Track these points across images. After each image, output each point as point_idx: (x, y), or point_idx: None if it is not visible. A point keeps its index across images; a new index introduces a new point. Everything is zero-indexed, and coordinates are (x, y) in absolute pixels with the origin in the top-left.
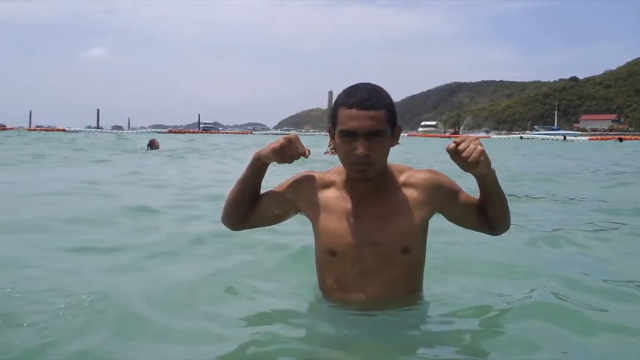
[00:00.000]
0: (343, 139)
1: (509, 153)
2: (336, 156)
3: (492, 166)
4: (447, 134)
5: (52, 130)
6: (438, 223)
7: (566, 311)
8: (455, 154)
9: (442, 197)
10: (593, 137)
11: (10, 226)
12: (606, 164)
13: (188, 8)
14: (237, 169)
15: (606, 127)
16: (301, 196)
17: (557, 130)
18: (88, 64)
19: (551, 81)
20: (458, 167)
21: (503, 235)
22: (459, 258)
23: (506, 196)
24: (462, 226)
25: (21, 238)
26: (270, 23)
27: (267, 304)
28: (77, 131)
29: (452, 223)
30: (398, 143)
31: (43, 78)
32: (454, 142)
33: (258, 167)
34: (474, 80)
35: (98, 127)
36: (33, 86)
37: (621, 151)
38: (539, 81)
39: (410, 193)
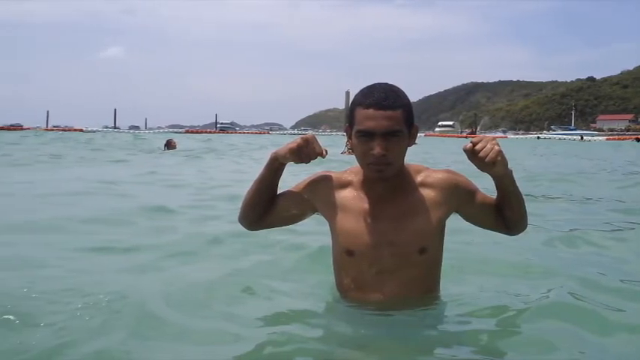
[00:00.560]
0: (360, 139)
1: (527, 153)
2: (353, 156)
3: (509, 166)
4: (464, 134)
5: (69, 130)
6: (455, 223)
7: (583, 311)
8: (472, 154)
9: (459, 197)
10: (611, 137)
11: (27, 226)
12: (623, 164)
13: (205, 8)
14: (254, 169)
15: (623, 127)
16: (318, 196)
17: (574, 130)
18: (105, 64)
19: (569, 81)
20: (475, 167)
21: (520, 235)
22: (476, 258)
23: (524, 196)
24: (479, 226)
25: (38, 238)
26: (286, 23)
27: (284, 304)
28: (94, 131)
29: (469, 223)
30: (415, 143)
31: (60, 78)
32: (471, 142)
33: (275, 167)
34: (491, 80)
35: (115, 127)
36: (50, 86)
37: (638, 151)
38: (556, 81)
39: (427, 193)
